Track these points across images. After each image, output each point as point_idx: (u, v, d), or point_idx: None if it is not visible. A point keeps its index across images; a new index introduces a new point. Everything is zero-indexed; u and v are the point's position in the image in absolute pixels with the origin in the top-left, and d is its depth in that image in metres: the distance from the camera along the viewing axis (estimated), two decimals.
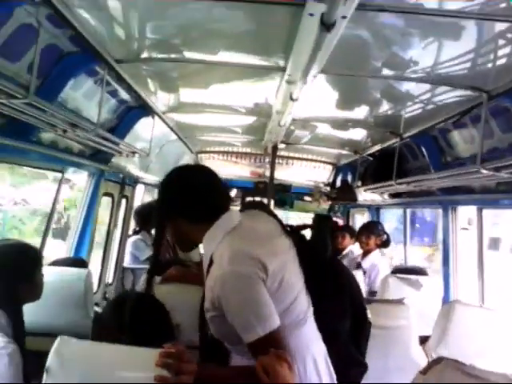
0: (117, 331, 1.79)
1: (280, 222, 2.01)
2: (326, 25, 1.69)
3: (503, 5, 1.77)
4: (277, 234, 1.94)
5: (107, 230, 4.55)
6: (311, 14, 1.71)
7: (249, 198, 6.60)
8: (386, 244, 5.00)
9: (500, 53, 2.19)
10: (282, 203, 7.07)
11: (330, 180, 6.81)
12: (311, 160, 6.40)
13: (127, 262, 5.05)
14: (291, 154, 6.25)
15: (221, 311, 1.74)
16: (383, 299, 3.56)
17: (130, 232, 5.19)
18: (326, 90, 3.16)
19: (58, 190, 3.36)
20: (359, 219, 6.99)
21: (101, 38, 2.38)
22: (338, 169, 6.50)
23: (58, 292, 2.42)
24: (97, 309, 3.28)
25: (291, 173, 6.76)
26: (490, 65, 2.33)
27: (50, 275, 2.49)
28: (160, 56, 2.69)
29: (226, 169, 6.59)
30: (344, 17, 1.72)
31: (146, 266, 4.78)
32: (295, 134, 4.67)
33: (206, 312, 1.83)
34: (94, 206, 3.94)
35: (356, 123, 4.08)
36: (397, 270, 4.16)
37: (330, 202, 7.05)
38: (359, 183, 5.40)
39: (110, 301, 2.38)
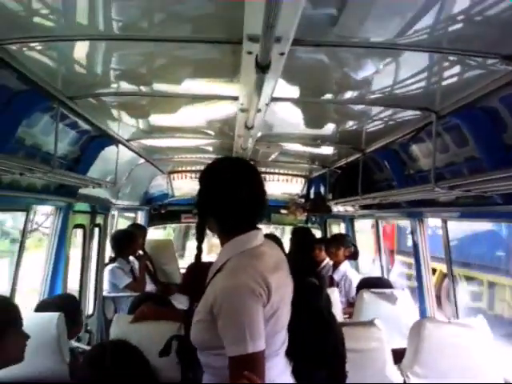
0: None
1: (289, 257, 2.04)
2: (262, 63, 1.72)
3: (441, 37, 1.85)
4: (284, 267, 1.96)
5: (81, 262, 4.50)
6: (249, 52, 1.74)
7: None
8: (354, 256, 5.05)
9: (444, 77, 2.29)
10: None
11: (304, 192, 6.85)
12: (283, 174, 6.44)
13: (107, 291, 4.99)
14: (263, 169, 6.28)
15: (211, 317, 1.76)
16: (355, 322, 3.58)
17: (107, 260, 5.14)
18: (286, 113, 3.23)
19: (24, 230, 3.30)
20: (336, 230, 7.03)
21: (50, 77, 2.39)
22: (310, 181, 6.55)
23: (29, 340, 2.25)
24: (78, 344, 3.25)
25: (265, 187, 6.76)
26: (436, 87, 2.43)
27: None
28: (112, 91, 2.71)
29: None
30: (282, 53, 1.75)
31: (127, 294, 4.77)
32: (263, 152, 4.72)
33: (196, 314, 1.86)
34: (64, 240, 3.89)
35: (322, 140, 4.14)
36: (365, 283, 4.20)
37: (306, 214, 7.08)
38: (330, 196, 5.45)
39: (87, 354, 2.30)
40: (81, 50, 2.19)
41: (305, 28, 1.73)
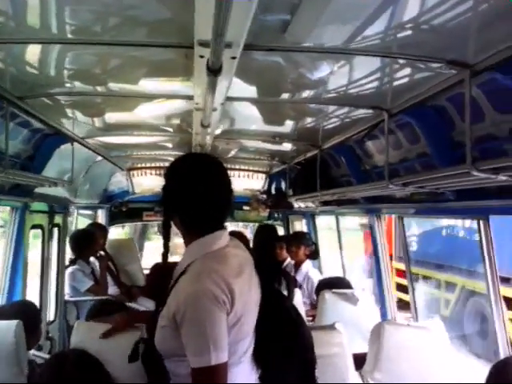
0: None
1: (253, 257, 1.98)
2: (214, 67, 1.73)
3: (391, 43, 1.92)
4: (248, 269, 1.90)
5: (41, 264, 4.36)
6: (201, 56, 1.75)
7: None
8: (314, 255, 4.99)
9: (394, 78, 2.37)
10: None
11: (266, 188, 6.87)
12: (244, 170, 6.45)
13: (68, 295, 4.82)
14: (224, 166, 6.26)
15: (175, 325, 1.71)
16: (315, 326, 3.54)
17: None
18: (244, 111, 3.26)
19: None
20: (298, 227, 7.01)
21: None
22: (270, 177, 6.57)
23: None
24: (38, 353, 3.13)
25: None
26: (387, 88, 2.51)
27: None
28: (66, 90, 2.68)
29: (160, 184, 6.52)
30: (233, 57, 1.77)
31: (89, 298, 4.63)
32: (222, 148, 4.73)
33: (161, 319, 1.80)
34: (21, 241, 3.78)
35: (281, 137, 4.18)
36: (324, 284, 4.21)
37: (268, 210, 7.08)
38: (290, 192, 5.48)
39: (44, 365, 2.20)
40: (32, 51, 2.15)
41: (257, 33, 1.77)
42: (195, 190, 1.84)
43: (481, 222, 3.11)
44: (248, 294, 1.82)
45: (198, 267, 1.78)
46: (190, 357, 1.67)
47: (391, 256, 7.68)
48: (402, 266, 7.61)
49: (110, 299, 4.43)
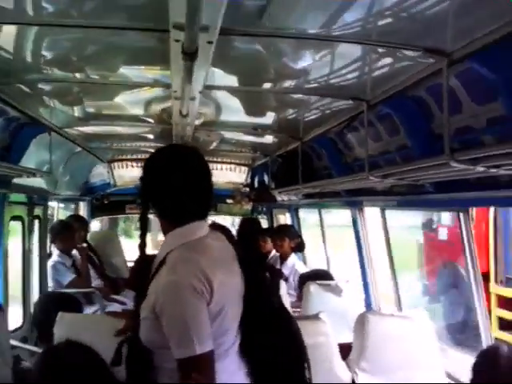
0: None
1: (238, 251, 1.97)
2: (189, 51, 1.70)
3: (370, 30, 1.91)
4: (230, 261, 1.89)
5: (22, 257, 4.26)
6: (177, 40, 1.72)
7: None
8: (299, 247, 5.00)
9: (373, 67, 2.36)
10: None
11: (249, 181, 6.85)
12: (226, 162, 6.41)
13: (52, 288, 4.71)
14: (205, 158, 6.21)
15: (155, 316, 1.70)
16: (299, 316, 3.55)
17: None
18: (224, 101, 3.25)
19: None
20: (282, 220, 7.02)
21: None
22: (253, 170, 6.54)
23: None
24: (23, 345, 3.09)
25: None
26: (365, 78, 2.50)
27: None
28: (42, 77, 2.63)
29: None
30: (210, 42, 1.74)
31: (72, 291, 4.51)
32: (203, 140, 4.70)
33: (142, 311, 1.78)
34: (1, 233, 3.66)
35: (262, 128, 4.17)
36: (307, 276, 4.23)
37: (251, 204, 7.06)
38: (273, 184, 5.47)
39: (38, 358, 2.10)
40: (6, 35, 2.09)
41: (233, 17, 1.74)
42: (170, 180, 1.84)
43: (461, 215, 3.15)
44: (229, 285, 1.81)
45: (175, 257, 1.77)
46: (173, 349, 1.66)
47: (486, 274, 5.38)
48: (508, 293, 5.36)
49: (61, 292, 4.34)
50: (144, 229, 1.97)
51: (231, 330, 1.82)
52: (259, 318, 1.89)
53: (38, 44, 2.20)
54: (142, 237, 1.98)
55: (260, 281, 2.00)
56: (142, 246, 1.97)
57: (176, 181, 1.84)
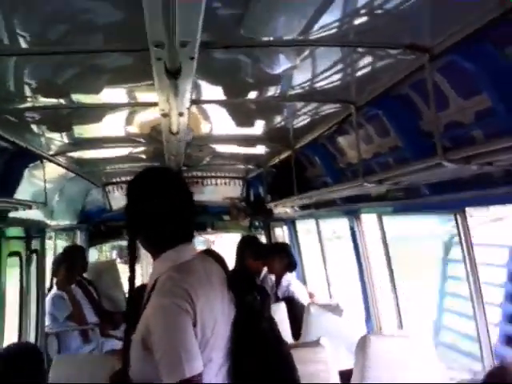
0: None
1: (229, 276, 1.94)
2: (172, 69, 1.71)
3: (347, 31, 1.91)
4: (218, 283, 1.87)
5: (20, 295, 4.18)
6: (159, 59, 1.73)
7: None
8: (290, 267, 4.67)
9: (357, 69, 2.36)
10: (202, 227, 6.73)
11: (244, 195, 6.76)
12: (220, 177, 6.38)
13: (48, 326, 4.61)
14: (199, 174, 6.21)
15: (145, 346, 1.68)
16: (298, 343, 3.46)
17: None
18: (213, 115, 3.25)
19: None
20: (279, 233, 6.80)
21: None
22: (248, 183, 6.47)
23: None
24: None
25: (203, 193, 6.56)
26: (350, 80, 2.50)
27: None
28: (28, 106, 2.63)
29: None
30: (192, 58, 1.74)
31: (69, 329, 4.48)
32: (196, 156, 4.69)
33: (133, 341, 1.76)
34: None
35: (253, 139, 4.16)
36: None
37: (249, 219, 6.83)
38: (268, 197, 5.40)
39: None
40: None
41: (213, 31, 1.76)
42: (150, 208, 1.84)
43: (458, 216, 3.09)
44: (214, 307, 1.79)
45: (162, 281, 1.77)
46: (163, 374, 1.63)
47: None
48: None
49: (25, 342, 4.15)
50: (132, 259, 1.94)
51: (219, 353, 1.79)
52: (247, 342, 1.86)
53: (20, 73, 2.20)
54: (131, 268, 1.93)
55: (248, 304, 1.96)
56: (132, 278, 1.92)
57: (155, 207, 1.84)
